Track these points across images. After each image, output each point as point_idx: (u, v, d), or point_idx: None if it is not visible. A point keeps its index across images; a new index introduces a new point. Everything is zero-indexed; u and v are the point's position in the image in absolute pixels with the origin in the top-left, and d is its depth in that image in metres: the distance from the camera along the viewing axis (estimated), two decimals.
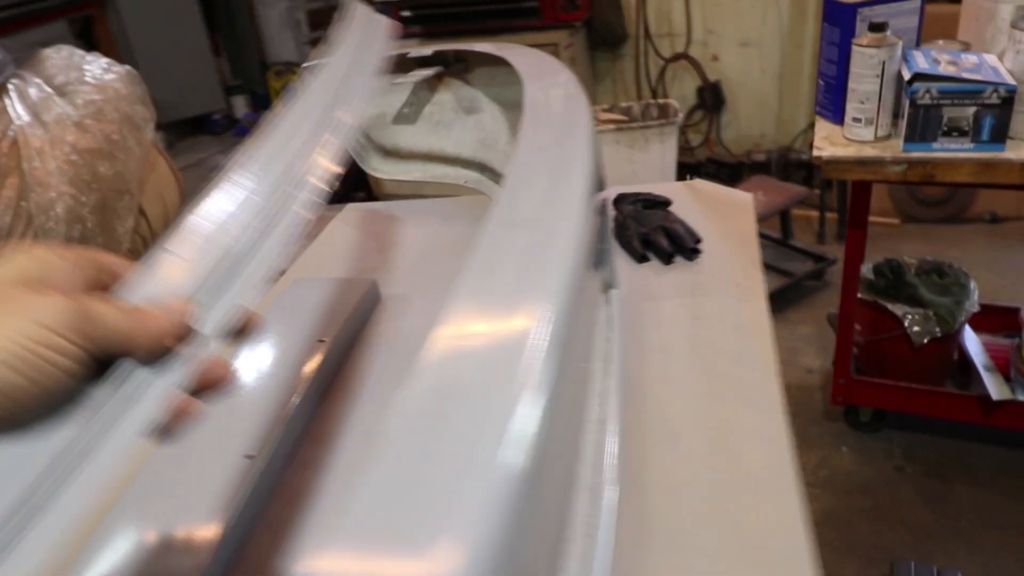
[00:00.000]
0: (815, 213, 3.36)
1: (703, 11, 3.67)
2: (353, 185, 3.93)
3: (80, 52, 2.18)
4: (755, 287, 1.01)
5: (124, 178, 1.97)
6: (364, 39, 0.79)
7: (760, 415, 0.79)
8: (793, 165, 3.66)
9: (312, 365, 0.87)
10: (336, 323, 0.94)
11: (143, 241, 2.15)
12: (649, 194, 1.18)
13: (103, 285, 0.42)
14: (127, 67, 2.16)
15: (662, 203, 1.17)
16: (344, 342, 0.94)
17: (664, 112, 3.23)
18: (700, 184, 1.28)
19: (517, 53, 1.22)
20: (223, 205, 0.46)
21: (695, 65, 3.74)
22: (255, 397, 0.81)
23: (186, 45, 5.21)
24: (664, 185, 1.31)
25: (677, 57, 3.77)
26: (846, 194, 3.16)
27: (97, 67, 2.10)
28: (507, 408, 0.39)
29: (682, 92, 3.88)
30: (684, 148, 3.74)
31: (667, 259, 1.06)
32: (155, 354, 0.38)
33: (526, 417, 0.39)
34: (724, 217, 1.18)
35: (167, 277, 0.41)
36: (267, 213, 0.47)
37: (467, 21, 3.61)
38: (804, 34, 3.57)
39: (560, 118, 0.81)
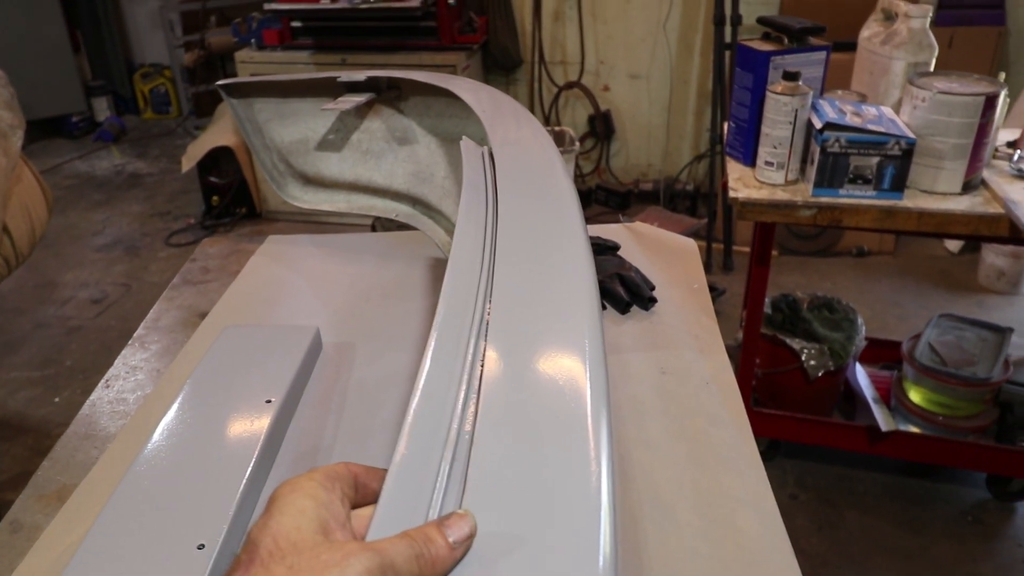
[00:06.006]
0: (702, 244, 3.48)
1: (596, 42, 3.74)
2: (234, 200, 3.72)
3: None
4: (714, 339, 1.00)
5: None
6: None
7: (744, 481, 0.78)
8: (679, 195, 3.78)
9: (260, 430, 0.77)
10: (283, 380, 0.84)
11: (6, 263, 1.92)
12: (598, 238, 1.15)
13: (364, 497, 0.47)
14: None
15: (611, 248, 1.14)
16: (292, 400, 0.85)
17: (560, 140, 3.24)
18: (641, 227, 1.27)
19: (464, 87, 1.17)
20: None
21: (587, 94, 3.80)
22: (202, 474, 0.71)
23: (42, 38, 4.77)
24: (601, 227, 1.29)
25: (570, 85, 3.82)
26: (731, 226, 3.29)
27: None
28: None
29: (574, 120, 3.94)
30: (575, 175, 3.78)
31: (624, 308, 1.03)
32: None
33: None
34: (670, 263, 1.17)
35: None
36: None
37: (361, 36, 3.49)
38: (691, 71, 3.71)
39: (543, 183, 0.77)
